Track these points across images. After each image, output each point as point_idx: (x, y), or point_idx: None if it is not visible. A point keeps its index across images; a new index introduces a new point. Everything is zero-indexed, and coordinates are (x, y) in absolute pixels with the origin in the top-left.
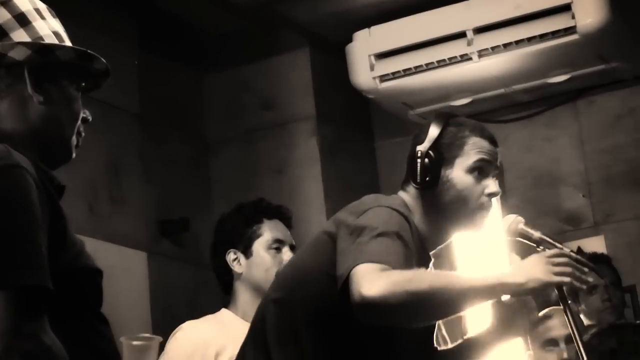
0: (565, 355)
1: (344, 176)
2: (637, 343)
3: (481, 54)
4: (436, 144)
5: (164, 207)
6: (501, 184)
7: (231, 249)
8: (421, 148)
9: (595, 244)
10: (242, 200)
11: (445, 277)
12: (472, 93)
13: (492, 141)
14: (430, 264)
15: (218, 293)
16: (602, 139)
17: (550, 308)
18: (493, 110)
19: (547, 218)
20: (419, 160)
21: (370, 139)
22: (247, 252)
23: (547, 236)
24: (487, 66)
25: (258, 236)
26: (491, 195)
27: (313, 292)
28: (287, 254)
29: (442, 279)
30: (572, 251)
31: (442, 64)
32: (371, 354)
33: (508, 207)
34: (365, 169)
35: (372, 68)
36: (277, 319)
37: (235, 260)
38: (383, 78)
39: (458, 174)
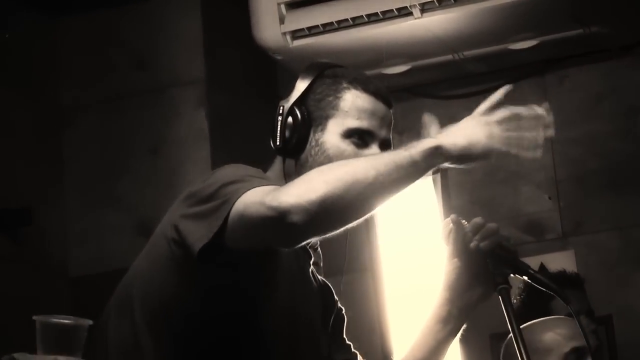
0: None
1: (241, 158)
2: None
3: (424, 8)
4: (304, 99)
5: None
6: (444, 180)
7: None
8: (284, 104)
9: (562, 260)
10: (96, 189)
11: (370, 157)
12: (410, 59)
13: (380, 96)
14: (311, 261)
15: (67, 306)
16: (576, 126)
17: None
18: (437, 83)
19: (503, 225)
20: (279, 119)
21: (275, 111)
22: None
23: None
24: (431, 25)
25: None
26: None
27: (154, 289)
28: None
29: (368, 159)
30: (529, 268)
31: (373, 19)
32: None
33: (451, 209)
34: (267, 149)
35: (281, 21)
36: (118, 329)
37: None
38: (296, 34)
39: (330, 138)
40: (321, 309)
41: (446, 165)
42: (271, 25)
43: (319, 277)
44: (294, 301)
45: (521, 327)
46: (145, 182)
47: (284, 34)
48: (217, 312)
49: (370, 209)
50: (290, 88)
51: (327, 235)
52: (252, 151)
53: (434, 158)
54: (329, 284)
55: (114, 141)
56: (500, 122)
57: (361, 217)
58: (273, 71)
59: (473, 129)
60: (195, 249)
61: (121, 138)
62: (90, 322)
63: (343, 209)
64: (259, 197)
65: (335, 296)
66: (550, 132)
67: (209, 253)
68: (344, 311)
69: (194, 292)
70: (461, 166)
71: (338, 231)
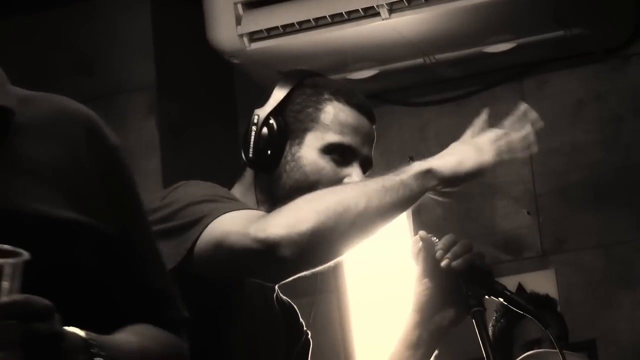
0: None
1: (194, 171)
2: None
3: (393, 8)
4: (281, 109)
5: None
6: None
7: None
8: (260, 112)
9: (542, 281)
10: None
11: (360, 184)
12: (378, 63)
13: (364, 110)
14: (276, 286)
15: None
16: (557, 135)
17: None
18: (407, 88)
19: (477, 242)
20: (253, 129)
21: (232, 120)
22: None
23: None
24: (400, 26)
25: None
26: None
27: None
28: None
29: (357, 186)
30: (505, 289)
31: (337, 20)
32: None
33: (421, 225)
34: (224, 161)
35: (238, 22)
36: None
37: None
38: (253, 36)
39: (308, 153)
40: (285, 335)
41: (438, 188)
42: (227, 27)
43: (285, 298)
44: (256, 329)
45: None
46: None
47: (241, 35)
48: None
49: (362, 239)
50: (267, 96)
51: (317, 269)
52: (207, 163)
53: (426, 180)
54: (295, 306)
55: None
56: (487, 136)
57: (352, 247)
58: (230, 76)
59: (461, 148)
60: None
61: None
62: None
63: (335, 240)
64: (241, 225)
65: (301, 319)
66: (539, 123)
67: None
68: (309, 335)
69: None
70: (454, 188)
71: (328, 264)
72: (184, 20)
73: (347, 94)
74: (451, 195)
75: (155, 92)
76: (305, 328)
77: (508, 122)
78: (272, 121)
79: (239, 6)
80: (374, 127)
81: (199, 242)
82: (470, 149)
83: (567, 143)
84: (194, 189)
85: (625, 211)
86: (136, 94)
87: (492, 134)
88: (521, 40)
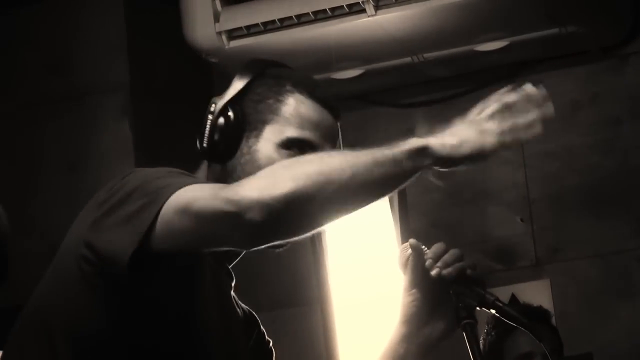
0: None
1: None
2: None
3: (379, 4)
4: (240, 98)
5: None
6: (402, 201)
7: None
8: (217, 101)
9: (536, 291)
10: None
11: (348, 154)
12: (364, 62)
13: (327, 105)
14: (233, 284)
15: None
16: (551, 138)
17: None
18: (394, 89)
19: (468, 251)
20: (210, 118)
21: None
22: None
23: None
24: (387, 23)
25: None
26: None
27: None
28: None
29: (344, 156)
30: (497, 300)
31: (320, 17)
32: None
33: (409, 233)
34: (201, 165)
35: (216, 19)
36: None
37: None
38: (232, 34)
39: (265, 146)
40: (246, 339)
41: (434, 168)
42: (205, 24)
43: (242, 305)
44: (217, 326)
45: None
46: (61, 202)
47: (219, 33)
48: (140, 337)
49: (342, 214)
50: (226, 85)
51: (292, 240)
52: (183, 167)
53: (421, 159)
54: (254, 314)
55: (25, 156)
56: (490, 116)
57: (330, 221)
58: (208, 76)
59: (462, 129)
60: (122, 259)
61: (33, 152)
62: None
63: (312, 210)
64: (209, 191)
65: (262, 328)
66: (549, 109)
67: (138, 262)
68: (271, 344)
69: (109, 316)
70: (451, 169)
71: (303, 236)
72: (159, 16)
73: (310, 87)
74: (445, 177)
75: (129, 92)
76: (267, 337)
77: (513, 98)
78: (229, 111)
79: (217, 2)
80: (338, 123)
81: (160, 214)
82: (472, 131)
83: (562, 146)
84: (146, 171)
85: (624, 218)
86: (109, 94)
87: (497, 114)
88: (513, 38)
